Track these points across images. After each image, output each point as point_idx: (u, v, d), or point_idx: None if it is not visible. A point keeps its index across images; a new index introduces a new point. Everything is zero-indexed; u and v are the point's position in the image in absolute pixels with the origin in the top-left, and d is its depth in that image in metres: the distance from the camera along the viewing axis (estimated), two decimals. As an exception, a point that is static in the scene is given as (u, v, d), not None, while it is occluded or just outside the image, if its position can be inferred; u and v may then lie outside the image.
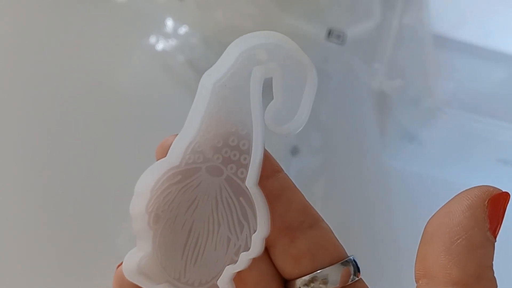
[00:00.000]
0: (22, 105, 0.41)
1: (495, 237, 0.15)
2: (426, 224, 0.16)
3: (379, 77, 0.36)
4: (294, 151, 0.40)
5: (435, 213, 0.15)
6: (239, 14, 0.38)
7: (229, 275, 0.17)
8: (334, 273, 0.17)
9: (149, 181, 0.17)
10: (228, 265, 0.17)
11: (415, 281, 0.15)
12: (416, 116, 0.39)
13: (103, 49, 0.44)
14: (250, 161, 0.17)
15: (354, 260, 0.18)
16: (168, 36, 0.43)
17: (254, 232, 0.17)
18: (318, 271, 0.17)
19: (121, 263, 0.18)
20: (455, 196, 0.15)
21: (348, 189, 0.42)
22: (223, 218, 0.17)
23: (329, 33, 0.37)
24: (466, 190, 0.15)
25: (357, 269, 0.18)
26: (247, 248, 0.17)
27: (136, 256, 0.17)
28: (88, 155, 0.40)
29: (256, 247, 0.17)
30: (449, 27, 0.48)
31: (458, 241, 0.14)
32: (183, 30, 0.42)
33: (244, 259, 0.17)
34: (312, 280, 0.17)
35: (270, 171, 0.18)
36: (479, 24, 0.50)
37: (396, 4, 0.41)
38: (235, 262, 0.17)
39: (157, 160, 0.18)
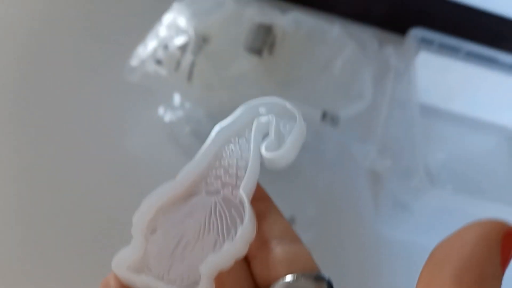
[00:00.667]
0: (36, 167, 0.43)
1: (503, 273, 0.14)
2: (435, 248, 0.15)
3: (370, 157, 0.39)
4: (291, 220, 0.42)
5: (445, 238, 0.15)
6: (240, 95, 0.41)
7: (210, 264, 0.18)
8: (308, 284, 0.18)
9: (154, 199, 0.19)
10: None
11: None
12: (407, 188, 0.42)
13: (114, 117, 0.47)
14: (244, 181, 0.20)
15: (329, 280, 0.18)
16: (175, 109, 0.46)
17: (238, 234, 0.19)
18: (293, 279, 0.18)
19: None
20: (467, 225, 0.15)
21: (342, 255, 0.44)
22: (213, 226, 0.20)
23: (324, 115, 0.40)
24: (478, 220, 0.15)
25: None
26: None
27: (126, 254, 0.19)
28: (94, 217, 0.42)
29: (238, 243, 0.19)
30: (438, 100, 0.51)
31: (470, 270, 0.14)
32: (189, 104, 0.45)
33: (225, 249, 0.18)
34: (288, 286, 0.18)
35: (260, 196, 0.21)
36: (467, 97, 0.53)
37: (386, 84, 0.44)
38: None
39: None
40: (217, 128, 0.21)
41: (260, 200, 0.21)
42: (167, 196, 0.20)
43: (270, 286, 0.18)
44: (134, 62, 0.42)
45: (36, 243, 0.39)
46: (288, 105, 0.21)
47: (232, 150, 0.21)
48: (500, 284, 0.14)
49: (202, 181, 0.20)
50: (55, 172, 0.43)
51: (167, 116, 0.47)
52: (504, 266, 0.14)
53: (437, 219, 0.44)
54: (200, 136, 0.46)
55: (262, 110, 0.21)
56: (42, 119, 0.45)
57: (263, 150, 0.21)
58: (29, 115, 0.45)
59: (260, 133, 0.21)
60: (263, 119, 0.21)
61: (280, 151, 0.20)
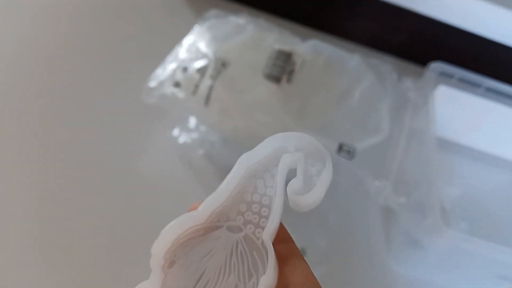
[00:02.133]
0: (53, 181, 0.43)
1: None
2: None
3: (385, 193, 0.38)
4: (302, 252, 0.42)
5: None
6: (256, 123, 0.41)
7: None
8: None
9: (174, 231, 0.19)
10: None
11: None
12: (421, 226, 0.41)
13: (129, 136, 0.47)
14: (268, 223, 0.20)
15: None
16: (190, 131, 0.46)
17: (259, 282, 0.19)
18: None
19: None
20: None
21: (352, 289, 0.43)
22: (234, 268, 0.19)
23: (340, 147, 0.39)
24: None
25: None
26: None
27: None
28: (106, 237, 0.41)
29: None
30: (455, 134, 0.51)
31: None
32: (204, 127, 0.45)
33: None
34: None
35: (283, 238, 0.20)
36: (484, 132, 0.52)
37: (404, 117, 0.44)
38: None
39: None
40: (242, 159, 0.21)
41: (283, 242, 0.20)
42: (187, 228, 0.19)
43: None
44: (152, 83, 0.42)
45: (51, 265, 0.39)
46: (319, 144, 0.21)
47: (256, 185, 0.20)
48: None
49: (223, 215, 0.20)
50: (69, 191, 0.42)
51: (182, 137, 0.46)
52: None
53: (451, 258, 0.43)
54: (213, 160, 0.46)
55: (290, 145, 0.21)
56: (59, 136, 0.45)
57: (289, 191, 0.20)
58: (47, 132, 0.45)
59: (286, 169, 0.21)
60: (292, 156, 0.21)
61: (308, 196, 0.20)
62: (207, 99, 0.41)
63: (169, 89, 0.42)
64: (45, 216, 0.40)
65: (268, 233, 0.19)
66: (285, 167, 0.20)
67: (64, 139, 0.45)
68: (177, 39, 0.45)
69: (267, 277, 0.18)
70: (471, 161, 0.52)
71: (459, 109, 0.50)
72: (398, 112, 0.43)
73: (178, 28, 0.47)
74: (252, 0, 0.55)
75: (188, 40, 0.45)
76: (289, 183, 0.20)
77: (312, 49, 0.45)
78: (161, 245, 0.19)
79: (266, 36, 0.45)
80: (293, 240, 0.21)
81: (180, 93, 0.42)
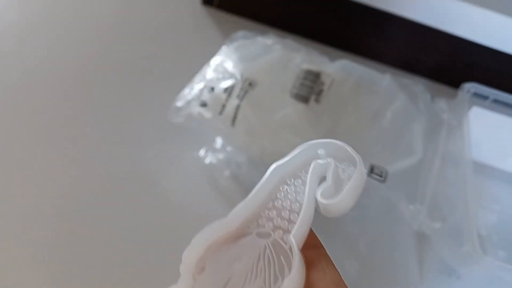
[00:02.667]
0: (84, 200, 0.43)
1: None
2: None
3: (419, 218, 0.36)
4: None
5: None
6: (284, 143, 0.40)
7: None
8: None
9: (207, 238, 0.19)
10: None
11: None
12: (457, 253, 0.39)
13: (155, 155, 0.46)
14: (296, 226, 0.19)
15: None
16: (216, 151, 0.46)
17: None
18: None
19: None
20: None
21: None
22: (261, 272, 0.18)
23: (371, 169, 0.38)
24: None
25: None
26: None
27: None
28: (131, 254, 0.41)
29: None
30: (491, 157, 0.49)
31: None
32: (230, 147, 0.45)
33: None
34: None
35: (312, 244, 0.19)
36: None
37: (438, 139, 0.42)
38: None
39: None
40: (273, 166, 0.21)
41: (312, 248, 0.19)
42: (218, 235, 0.19)
43: None
44: (179, 103, 0.42)
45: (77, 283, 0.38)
46: (349, 148, 0.20)
47: (287, 191, 0.20)
48: None
49: (253, 221, 0.20)
50: (93, 208, 0.42)
51: (208, 158, 0.46)
52: None
53: (487, 288, 0.41)
54: (240, 181, 0.45)
55: (321, 151, 0.21)
56: (86, 153, 0.45)
57: (319, 196, 0.19)
58: (75, 149, 0.45)
59: (317, 176, 0.20)
60: (322, 161, 0.20)
61: (337, 199, 0.19)
62: (234, 119, 0.41)
63: (196, 109, 0.41)
64: (69, 233, 0.40)
65: (295, 236, 0.19)
66: (316, 172, 0.20)
67: (91, 157, 0.45)
68: (205, 60, 0.45)
69: (291, 279, 0.18)
70: (508, 186, 0.49)
71: (494, 131, 0.49)
72: (432, 134, 0.42)
73: (206, 49, 0.47)
74: (280, 22, 0.55)
75: (215, 60, 0.45)
76: (319, 187, 0.20)
77: (341, 69, 0.44)
78: (193, 252, 0.19)
79: (294, 56, 0.45)
80: (323, 246, 0.20)
81: (206, 113, 0.41)
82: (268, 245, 0.19)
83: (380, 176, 0.38)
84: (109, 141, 0.46)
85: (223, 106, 0.41)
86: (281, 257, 0.19)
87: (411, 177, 0.39)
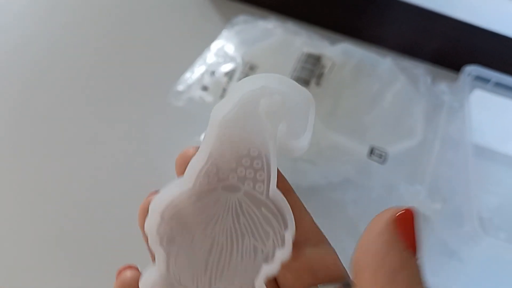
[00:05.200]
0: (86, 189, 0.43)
1: (416, 252, 0.14)
2: (353, 258, 0.15)
3: (419, 198, 0.36)
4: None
5: (357, 244, 0.15)
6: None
7: (265, 275, 0.17)
8: None
9: (161, 203, 0.17)
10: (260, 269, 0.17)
11: None
12: (457, 235, 0.39)
13: (156, 140, 0.47)
14: (266, 177, 0.18)
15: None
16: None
17: (280, 236, 0.17)
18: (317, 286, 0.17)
19: (123, 268, 0.19)
20: (369, 224, 0.15)
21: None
22: (246, 229, 0.17)
23: (371, 151, 0.38)
24: (377, 215, 0.15)
25: None
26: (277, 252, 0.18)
27: (152, 275, 0.17)
28: (127, 239, 0.41)
29: (289, 245, 0.17)
30: (492, 140, 0.49)
31: (380, 271, 0.14)
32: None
33: (278, 257, 0.17)
34: None
35: (282, 190, 0.18)
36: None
37: (438, 121, 0.42)
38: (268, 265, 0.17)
39: (176, 171, 0.19)
40: (214, 109, 0.18)
41: (284, 194, 0.19)
42: (175, 195, 0.18)
43: None
44: (180, 87, 0.42)
45: (77, 266, 0.39)
46: (295, 85, 0.18)
47: (239, 137, 0.18)
48: (417, 266, 0.14)
49: (213, 176, 0.18)
50: (91, 193, 0.42)
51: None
52: (413, 248, 0.14)
53: (489, 270, 0.41)
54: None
55: (265, 90, 0.18)
56: (85, 138, 0.46)
57: (280, 137, 0.18)
58: (73, 134, 0.46)
59: (268, 115, 0.18)
60: (270, 100, 0.18)
61: (302, 140, 0.18)
62: (235, 102, 0.41)
63: (197, 93, 0.42)
64: (69, 218, 0.40)
65: (273, 185, 0.18)
66: (266, 112, 0.18)
67: (90, 141, 0.45)
68: (205, 44, 0.45)
69: (291, 230, 0.17)
70: (509, 169, 0.49)
71: (496, 115, 0.48)
72: (432, 116, 0.42)
73: (207, 33, 0.47)
74: (280, 7, 0.55)
75: (216, 44, 0.45)
76: (279, 129, 0.18)
77: (342, 52, 0.44)
78: (152, 221, 0.17)
79: (294, 39, 0.45)
80: (293, 190, 0.19)
81: (207, 97, 0.41)
82: (242, 198, 0.18)
83: (380, 157, 0.38)
84: (109, 126, 0.47)
85: (224, 89, 0.41)
86: (262, 208, 0.18)
87: (411, 159, 0.39)
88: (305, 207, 0.19)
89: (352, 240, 0.41)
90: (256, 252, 0.17)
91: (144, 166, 0.45)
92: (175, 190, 0.18)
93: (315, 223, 0.19)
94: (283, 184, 0.19)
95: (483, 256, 0.39)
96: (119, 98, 0.49)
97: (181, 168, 0.18)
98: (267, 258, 0.17)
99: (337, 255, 0.19)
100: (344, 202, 0.41)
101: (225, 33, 0.46)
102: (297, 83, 0.18)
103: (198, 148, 0.18)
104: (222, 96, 0.41)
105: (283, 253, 0.17)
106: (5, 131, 0.45)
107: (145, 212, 0.18)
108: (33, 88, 0.48)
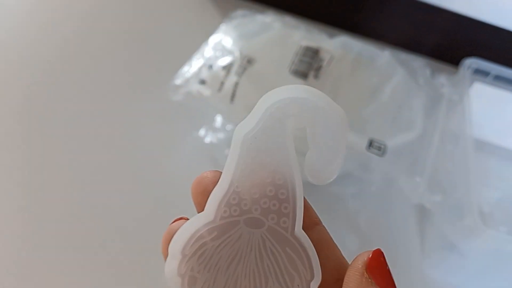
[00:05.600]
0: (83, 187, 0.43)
1: None
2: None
3: (419, 191, 0.36)
4: None
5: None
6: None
7: None
8: None
9: (181, 241, 0.16)
10: None
11: None
12: (457, 228, 0.39)
13: (156, 135, 0.46)
14: (291, 209, 0.16)
15: None
16: (216, 130, 0.46)
17: (305, 281, 0.16)
18: None
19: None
20: (346, 276, 0.16)
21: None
22: (270, 272, 0.16)
23: (370, 143, 0.38)
24: (351, 264, 0.16)
25: None
26: None
27: None
28: (131, 237, 0.41)
29: None
30: (493, 134, 0.48)
31: None
32: (230, 127, 0.44)
33: None
34: None
35: (309, 222, 0.18)
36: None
37: (438, 114, 0.42)
38: None
39: (193, 199, 0.18)
40: (237, 132, 0.17)
41: (310, 229, 0.18)
42: (198, 232, 0.16)
43: None
44: (178, 81, 0.42)
45: (79, 266, 0.38)
46: (327, 100, 0.17)
47: (262, 162, 0.17)
48: None
49: (235, 207, 0.16)
50: (92, 189, 0.42)
51: (208, 137, 0.46)
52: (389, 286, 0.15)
53: (490, 263, 0.40)
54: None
55: (291, 107, 0.17)
56: (85, 133, 0.45)
57: (308, 164, 0.17)
58: (73, 129, 0.45)
59: (293, 138, 0.17)
60: (295, 122, 0.17)
61: (332, 168, 0.17)
62: (233, 96, 0.41)
63: (195, 87, 0.41)
64: (71, 215, 0.40)
65: (299, 223, 0.16)
66: (291, 133, 0.17)
67: (89, 136, 0.45)
68: (203, 38, 0.45)
69: (318, 277, 0.16)
70: (509, 163, 0.49)
71: (496, 108, 0.48)
72: (432, 109, 0.42)
73: (205, 28, 0.47)
74: (278, 1, 0.55)
75: (214, 38, 0.45)
76: (307, 155, 0.17)
77: (340, 45, 0.44)
78: (172, 262, 0.16)
79: (293, 33, 0.45)
80: (320, 221, 0.19)
81: (205, 91, 0.41)
82: (265, 235, 0.16)
83: (379, 150, 0.37)
84: (107, 121, 0.46)
85: (222, 83, 0.41)
86: (287, 249, 0.16)
87: (410, 151, 0.39)
88: (333, 241, 0.18)
89: (353, 234, 0.41)
90: None
91: (142, 161, 0.44)
92: (195, 225, 0.16)
93: (345, 260, 0.18)
94: (310, 215, 0.18)
95: (484, 249, 0.39)
96: (117, 93, 0.48)
97: (198, 197, 0.17)
98: None
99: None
100: (344, 196, 0.41)
101: (223, 27, 0.46)
102: (330, 99, 0.17)
103: (215, 172, 0.17)
104: (220, 89, 0.41)
105: None
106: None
107: (169, 239, 0.17)
108: (30, 85, 0.48)
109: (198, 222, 0.16)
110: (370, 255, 0.15)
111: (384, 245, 0.41)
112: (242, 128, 0.17)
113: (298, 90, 0.17)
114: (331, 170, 0.17)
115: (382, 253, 0.15)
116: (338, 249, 0.18)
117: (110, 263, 0.38)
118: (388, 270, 0.15)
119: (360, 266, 0.15)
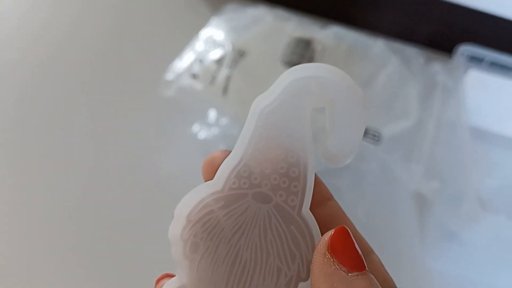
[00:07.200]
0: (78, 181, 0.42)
1: (363, 270, 0.14)
2: None
3: (416, 178, 0.36)
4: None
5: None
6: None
7: None
8: None
9: (187, 206, 0.16)
10: None
11: None
12: (456, 216, 0.38)
13: (149, 132, 0.46)
14: (301, 189, 0.16)
15: None
16: (210, 126, 0.45)
17: (306, 261, 0.16)
18: None
19: (161, 277, 0.18)
20: (312, 257, 0.15)
21: None
22: (272, 247, 0.16)
23: (365, 132, 0.37)
24: (316, 247, 0.15)
25: None
26: (300, 279, 0.16)
27: (171, 286, 0.16)
28: (124, 233, 0.40)
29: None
30: (489, 122, 0.48)
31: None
32: (224, 121, 0.44)
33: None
34: None
35: (321, 198, 0.17)
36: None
37: (433, 102, 0.41)
38: None
39: (203, 176, 0.18)
40: (255, 104, 0.17)
41: (321, 205, 0.17)
42: (202, 197, 0.16)
43: None
44: (169, 76, 0.41)
45: (70, 262, 0.38)
46: (349, 80, 0.16)
47: (277, 137, 0.17)
48: (369, 279, 0.14)
49: (245, 179, 0.16)
50: (85, 186, 0.42)
51: (202, 133, 0.45)
52: (357, 267, 0.14)
53: (489, 251, 0.40)
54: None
55: (312, 85, 0.16)
56: (77, 131, 0.45)
57: (323, 144, 0.16)
58: (65, 127, 0.45)
59: (310, 118, 0.17)
60: (315, 100, 0.16)
61: (349, 149, 0.16)
62: (225, 89, 0.40)
63: (187, 81, 0.41)
64: (65, 213, 0.40)
65: (307, 204, 0.16)
66: (309, 112, 0.16)
67: (82, 134, 0.44)
68: (194, 33, 0.45)
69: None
70: (507, 151, 0.48)
71: (492, 95, 0.48)
72: (427, 97, 0.41)
73: (196, 22, 0.46)
74: (270, -5, 0.54)
75: (205, 32, 0.44)
76: (323, 136, 0.16)
77: (333, 36, 0.44)
78: (176, 225, 0.16)
79: (285, 25, 0.44)
80: (332, 196, 0.18)
81: (197, 85, 0.41)
82: (272, 211, 0.16)
83: (374, 137, 0.37)
84: (99, 119, 0.46)
85: (214, 77, 0.41)
86: (292, 227, 0.16)
87: (406, 139, 0.38)
88: (346, 216, 0.18)
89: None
90: (280, 274, 0.16)
91: (136, 161, 0.44)
92: (203, 192, 0.16)
93: (358, 233, 0.18)
94: (322, 190, 0.18)
95: (483, 237, 0.38)
96: (108, 90, 0.48)
97: (209, 177, 0.17)
98: (290, 283, 0.16)
99: (383, 266, 0.18)
100: (340, 187, 0.40)
101: (214, 20, 0.45)
102: (352, 79, 0.16)
103: (225, 152, 0.17)
104: (212, 83, 0.41)
105: (307, 285, 0.16)
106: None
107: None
108: (24, 83, 0.48)
109: (206, 189, 0.16)
110: (332, 234, 0.14)
111: (383, 236, 0.41)
112: (260, 101, 0.17)
113: (320, 68, 0.16)
114: (348, 152, 0.17)
115: (347, 230, 0.14)
116: (351, 223, 0.18)
117: (102, 259, 0.38)
118: (354, 248, 0.14)
119: (322, 247, 0.14)
